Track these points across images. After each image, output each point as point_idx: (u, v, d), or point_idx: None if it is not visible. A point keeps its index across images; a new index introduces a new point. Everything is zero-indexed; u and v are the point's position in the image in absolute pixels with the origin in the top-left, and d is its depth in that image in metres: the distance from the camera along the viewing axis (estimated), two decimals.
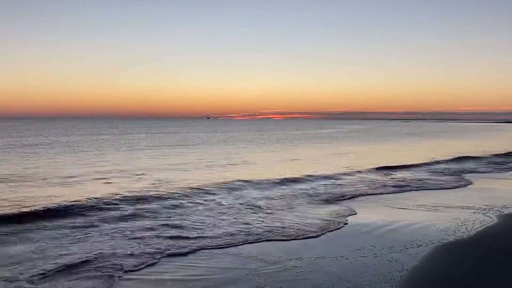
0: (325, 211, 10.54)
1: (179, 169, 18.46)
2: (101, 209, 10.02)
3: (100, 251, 7.01)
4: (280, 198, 12.21)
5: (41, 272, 6.13)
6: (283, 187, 14.09)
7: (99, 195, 11.54)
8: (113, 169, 17.79)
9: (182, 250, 7.24)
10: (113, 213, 9.69)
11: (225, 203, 11.24)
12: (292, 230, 8.63)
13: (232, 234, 8.24)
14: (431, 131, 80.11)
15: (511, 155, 26.82)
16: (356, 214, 10.37)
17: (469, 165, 21.57)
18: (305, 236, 8.28)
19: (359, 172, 17.73)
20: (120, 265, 6.44)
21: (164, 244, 7.50)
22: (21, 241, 7.58)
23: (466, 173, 18.37)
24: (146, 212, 9.91)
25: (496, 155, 26.28)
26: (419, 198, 12.56)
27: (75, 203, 10.44)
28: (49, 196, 11.60)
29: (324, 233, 8.53)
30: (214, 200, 11.59)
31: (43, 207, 9.82)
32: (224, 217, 9.65)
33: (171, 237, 7.95)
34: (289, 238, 8.15)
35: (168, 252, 7.13)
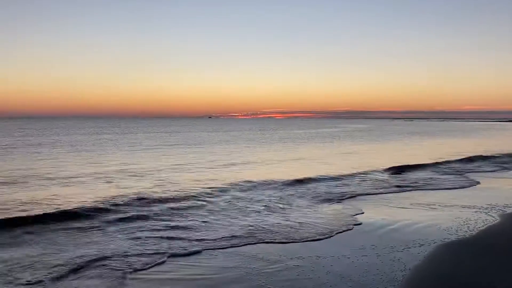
0: (331, 211, 10.57)
1: (182, 169, 18.50)
2: (108, 210, 10.04)
3: (109, 251, 7.13)
4: (282, 198, 12.24)
5: (53, 272, 6.22)
6: (286, 187, 14.09)
7: (105, 196, 11.63)
8: (117, 170, 17.84)
9: (186, 250, 7.33)
10: (120, 215, 9.71)
11: (229, 204, 11.29)
12: (299, 232, 8.61)
13: (234, 236, 8.28)
14: (433, 130, 79.93)
15: None
16: (363, 213, 10.39)
17: (476, 164, 21.47)
18: (314, 238, 8.14)
19: (364, 172, 17.59)
20: (130, 264, 6.59)
21: (170, 245, 7.60)
22: (27, 244, 7.65)
23: (472, 173, 18.35)
24: (152, 213, 9.95)
25: (505, 155, 26.06)
26: (422, 198, 12.57)
27: (81, 205, 10.51)
28: (56, 198, 11.69)
29: (333, 235, 8.41)
30: (219, 200, 11.61)
31: (54, 210, 9.88)
32: (229, 218, 9.71)
33: (177, 238, 8.04)
34: (301, 240, 8.01)
35: (174, 252, 7.22)
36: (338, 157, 25.49)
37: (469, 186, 14.85)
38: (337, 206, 11.19)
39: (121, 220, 9.31)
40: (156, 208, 10.47)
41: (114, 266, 6.53)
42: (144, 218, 9.52)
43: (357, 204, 11.55)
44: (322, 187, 14.11)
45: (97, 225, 8.92)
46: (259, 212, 10.33)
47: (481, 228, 8.90)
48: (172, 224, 9.07)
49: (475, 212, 10.49)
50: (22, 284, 5.81)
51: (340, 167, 19.35)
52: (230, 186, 13.67)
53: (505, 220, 9.70)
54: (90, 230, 8.58)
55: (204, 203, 11.21)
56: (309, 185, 14.38)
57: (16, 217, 9.02)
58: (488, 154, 26.16)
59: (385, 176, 16.95)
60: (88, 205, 10.44)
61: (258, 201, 11.67)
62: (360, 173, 17.23)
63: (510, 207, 11.08)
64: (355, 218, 9.85)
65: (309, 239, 8.13)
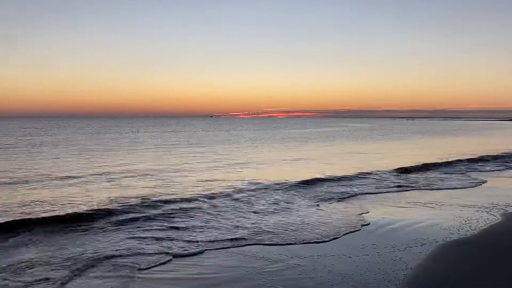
0: (336, 211, 10.59)
1: (184, 169, 18.53)
2: (111, 211, 10.00)
3: (112, 252, 7.20)
4: (285, 198, 12.26)
5: (57, 272, 6.30)
6: (289, 187, 14.07)
7: (108, 197, 11.69)
8: (120, 170, 17.89)
9: (189, 251, 7.39)
10: (123, 215, 9.72)
11: (231, 205, 11.31)
12: (303, 233, 8.60)
13: (237, 236, 8.33)
14: (436, 130, 79.74)
15: None
16: (368, 212, 10.40)
17: (481, 164, 21.36)
18: (317, 241, 8.06)
19: (370, 172, 17.35)
20: (134, 264, 6.68)
21: (173, 245, 7.67)
22: (29, 245, 7.69)
23: (477, 172, 18.32)
24: (155, 213, 9.95)
25: (510, 154, 25.92)
26: (425, 197, 12.58)
27: (84, 206, 10.60)
28: (58, 199, 11.75)
29: (339, 236, 8.34)
30: (222, 201, 11.58)
31: (56, 212, 9.95)
32: (232, 219, 9.77)
33: (179, 238, 8.11)
34: (304, 242, 7.95)
35: (177, 252, 7.29)
36: (342, 157, 25.48)
37: (473, 186, 14.78)
38: (341, 206, 11.21)
39: (124, 220, 9.34)
40: (158, 208, 10.49)
41: (117, 266, 6.61)
42: (147, 218, 9.56)
43: (362, 203, 11.56)
44: (326, 187, 14.06)
45: (99, 225, 8.96)
46: (262, 212, 10.36)
47: (483, 228, 8.90)
48: (175, 224, 9.11)
49: (477, 211, 10.49)
50: (28, 282, 5.90)
51: (344, 167, 19.34)
52: (232, 187, 13.69)
53: (507, 219, 9.70)
54: (92, 230, 8.62)
55: (206, 203, 11.22)
56: (313, 185, 14.33)
57: (19, 220, 9.03)
58: (493, 153, 26.08)
59: (390, 175, 16.89)
60: (90, 205, 10.49)
61: (261, 201, 11.69)
62: (365, 173, 17.07)
63: None
64: (362, 217, 9.83)
65: (311, 241, 8.03)
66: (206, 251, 7.40)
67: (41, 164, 19.69)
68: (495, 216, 9.95)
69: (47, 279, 6.04)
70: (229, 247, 7.62)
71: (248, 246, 7.68)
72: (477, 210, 10.57)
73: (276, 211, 10.44)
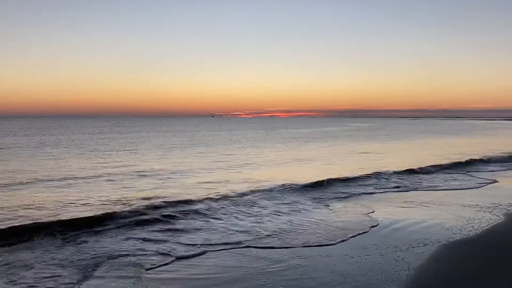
0: (342, 212, 10.56)
1: (187, 170, 18.52)
2: (113, 212, 9.91)
3: (116, 252, 7.24)
4: (287, 198, 12.26)
5: (63, 272, 6.35)
6: (292, 187, 14.03)
7: (110, 198, 11.69)
8: (122, 171, 17.88)
9: (192, 251, 7.41)
10: (126, 217, 9.70)
11: (234, 206, 11.30)
12: (307, 235, 8.55)
13: (239, 238, 8.33)
14: (439, 129, 79.62)
15: None
16: (373, 212, 10.38)
17: (484, 164, 21.28)
18: (322, 244, 7.93)
19: (374, 172, 17.18)
20: (138, 264, 6.73)
21: (176, 246, 7.71)
22: (37, 247, 7.71)
23: (480, 172, 18.29)
24: (157, 215, 9.89)
25: None
26: (427, 197, 12.56)
27: (86, 208, 10.63)
28: (60, 200, 11.77)
29: (347, 239, 8.26)
30: (224, 202, 11.49)
31: (59, 214, 9.96)
32: (235, 220, 9.78)
33: (182, 239, 8.15)
34: (312, 245, 7.87)
35: (179, 253, 7.31)
36: (344, 157, 25.45)
37: (476, 186, 14.74)
38: (345, 205, 11.18)
39: (127, 222, 9.32)
40: (161, 210, 10.44)
41: (120, 266, 6.64)
42: (149, 220, 9.52)
43: (366, 203, 11.55)
44: (331, 188, 13.98)
45: (102, 227, 8.93)
46: (265, 214, 10.35)
47: (485, 228, 8.88)
48: (178, 226, 9.11)
49: (479, 211, 10.46)
50: (38, 283, 5.93)
51: (347, 167, 19.31)
52: (235, 187, 13.67)
53: (510, 219, 9.67)
54: (95, 231, 8.62)
55: (209, 205, 11.18)
56: (318, 186, 14.23)
57: (22, 225, 8.98)
58: (496, 153, 26.01)
59: (393, 175, 16.82)
60: (92, 208, 10.49)
61: (264, 202, 11.68)
62: (369, 174, 16.90)
63: None
64: (370, 217, 9.80)
65: (315, 244, 7.88)
66: (207, 252, 7.40)
67: (41, 165, 19.70)
68: (498, 216, 9.92)
69: (55, 280, 6.08)
70: (231, 248, 7.61)
71: (250, 247, 7.66)
72: (479, 210, 10.54)
73: (278, 212, 10.43)
